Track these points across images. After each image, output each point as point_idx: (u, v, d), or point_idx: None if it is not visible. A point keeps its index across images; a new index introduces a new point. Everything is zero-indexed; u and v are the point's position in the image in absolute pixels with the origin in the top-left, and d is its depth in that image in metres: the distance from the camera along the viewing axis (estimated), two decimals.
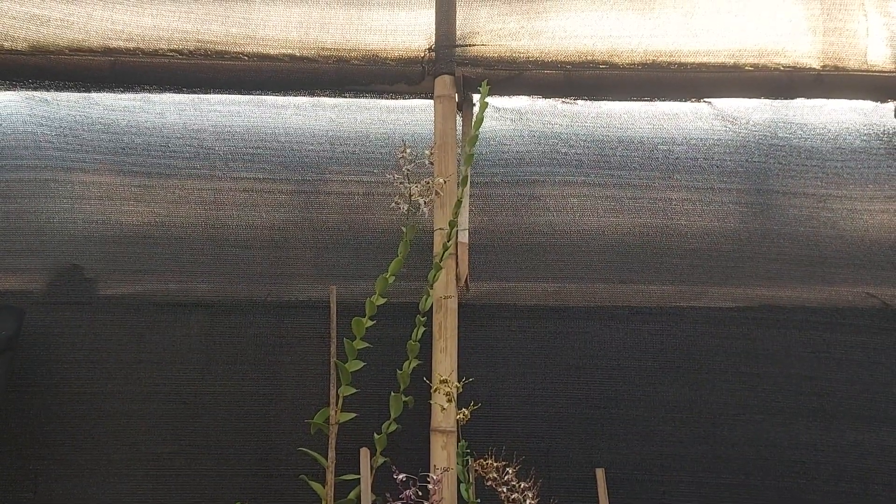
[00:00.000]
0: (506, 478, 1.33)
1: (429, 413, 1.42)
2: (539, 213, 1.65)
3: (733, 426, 1.56)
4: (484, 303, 1.59)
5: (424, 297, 1.44)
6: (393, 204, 1.42)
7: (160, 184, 1.64)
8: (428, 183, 1.43)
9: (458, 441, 1.41)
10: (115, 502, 1.50)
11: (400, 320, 1.49)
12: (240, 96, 1.68)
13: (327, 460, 1.36)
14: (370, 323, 1.40)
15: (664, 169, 1.68)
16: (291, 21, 1.65)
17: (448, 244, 1.44)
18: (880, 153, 1.69)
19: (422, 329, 1.42)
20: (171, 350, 1.56)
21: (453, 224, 1.44)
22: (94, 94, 1.67)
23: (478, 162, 1.62)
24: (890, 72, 1.66)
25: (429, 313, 1.45)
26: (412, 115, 1.69)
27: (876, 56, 1.66)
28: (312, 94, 1.68)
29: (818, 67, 1.66)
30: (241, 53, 1.64)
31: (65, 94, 1.66)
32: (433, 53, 1.63)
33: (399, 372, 1.42)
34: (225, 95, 1.68)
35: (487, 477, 1.34)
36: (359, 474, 1.32)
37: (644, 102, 1.70)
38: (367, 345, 1.40)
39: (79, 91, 1.66)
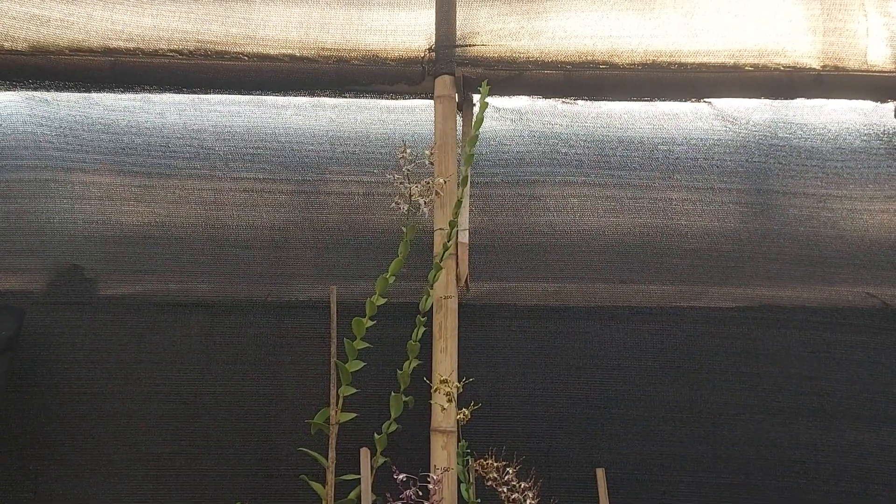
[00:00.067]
0: (506, 478, 1.33)
1: (429, 413, 1.42)
2: (539, 213, 1.65)
3: (733, 426, 1.56)
4: (484, 303, 1.59)
5: (425, 297, 1.44)
6: (393, 204, 1.43)
7: (160, 184, 1.64)
8: (428, 183, 1.43)
9: (459, 441, 1.41)
10: (116, 502, 1.50)
11: (400, 320, 1.49)
12: (240, 96, 1.68)
13: (328, 460, 1.36)
14: (370, 323, 1.40)
15: (664, 169, 1.68)
16: (291, 21, 1.65)
17: (448, 244, 1.44)
18: (880, 153, 1.69)
19: (422, 329, 1.42)
20: (172, 350, 1.56)
21: (453, 224, 1.44)
22: (94, 95, 1.67)
23: (478, 162, 1.62)
24: (890, 72, 1.66)
25: (429, 313, 1.45)
26: (412, 115, 1.69)
27: (876, 56, 1.66)
28: (312, 95, 1.68)
29: (818, 67, 1.66)
30: (241, 53, 1.64)
31: (65, 94, 1.66)
32: (433, 53, 1.63)
33: (399, 372, 1.42)
34: (225, 95, 1.68)
35: (488, 477, 1.34)
36: (359, 474, 1.32)
37: (644, 102, 1.70)
38: (367, 345, 1.40)
39: (79, 91, 1.66)
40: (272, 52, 1.64)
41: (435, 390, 1.40)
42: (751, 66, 1.65)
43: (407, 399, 1.41)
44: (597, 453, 1.53)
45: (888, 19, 1.67)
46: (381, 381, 1.46)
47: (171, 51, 1.63)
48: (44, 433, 1.52)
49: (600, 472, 1.45)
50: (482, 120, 1.45)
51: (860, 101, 1.70)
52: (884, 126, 1.70)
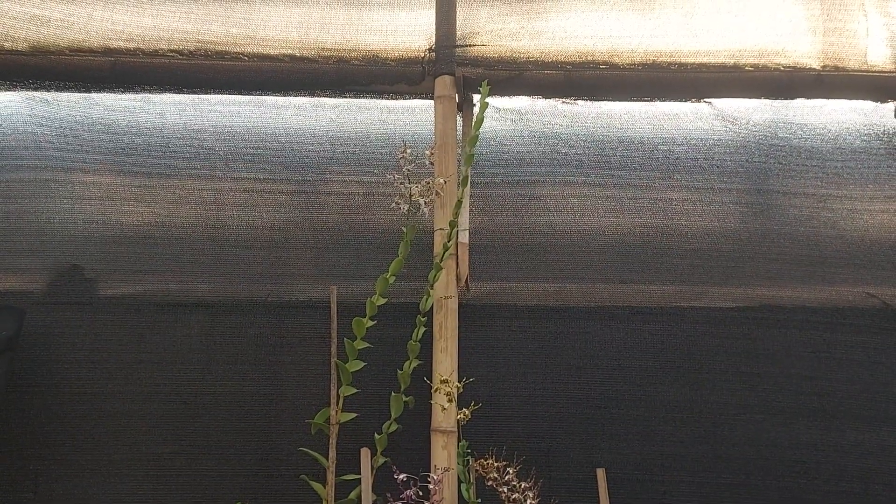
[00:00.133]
0: (506, 478, 1.33)
1: (429, 413, 1.42)
2: (539, 213, 1.65)
3: (734, 426, 1.56)
4: (484, 303, 1.59)
5: (425, 297, 1.44)
6: (393, 204, 1.42)
7: (160, 184, 1.64)
8: (428, 183, 1.43)
9: (459, 441, 1.41)
10: (116, 502, 1.50)
11: (400, 320, 1.49)
12: (240, 96, 1.68)
13: (328, 460, 1.36)
14: (371, 323, 1.40)
15: (664, 169, 1.68)
16: (291, 21, 1.65)
17: (448, 244, 1.44)
18: (880, 153, 1.69)
19: (422, 329, 1.42)
20: (172, 350, 1.56)
21: (454, 224, 1.44)
22: (94, 95, 1.67)
23: (478, 162, 1.62)
24: (890, 72, 1.66)
25: (429, 313, 1.45)
26: (412, 115, 1.69)
27: (876, 56, 1.66)
28: (313, 95, 1.68)
29: (818, 67, 1.66)
30: (242, 54, 1.64)
31: (65, 94, 1.66)
32: (433, 54, 1.63)
33: (399, 372, 1.42)
34: (225, 96, 1.68)
35: (488, 477, 1.34)
36: (359, 474, 1.32)
37: (644, 103, 1.70)
38: (367, 345, 1.40)
39: (79, 91, 1.66)
40: (272, 52, 1.64)
41: (435, 390, 1.40)
42: (751, 67, 1.65)
43: (407, 399, 1.41)
44: (597, 453, 1.53)
45: (888, 19, 1.67)
46: (382, 381, 1.46)
47: (172, 51, 1.63)
48: (44, 433, 1.52)
49: (601, 472, 1.45)
50: (482, 120, 1.45)
51: (860, 102, 1.70)
52: (884, 126, 1.70)
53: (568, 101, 1.70)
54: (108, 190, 1.63)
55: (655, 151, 1.69)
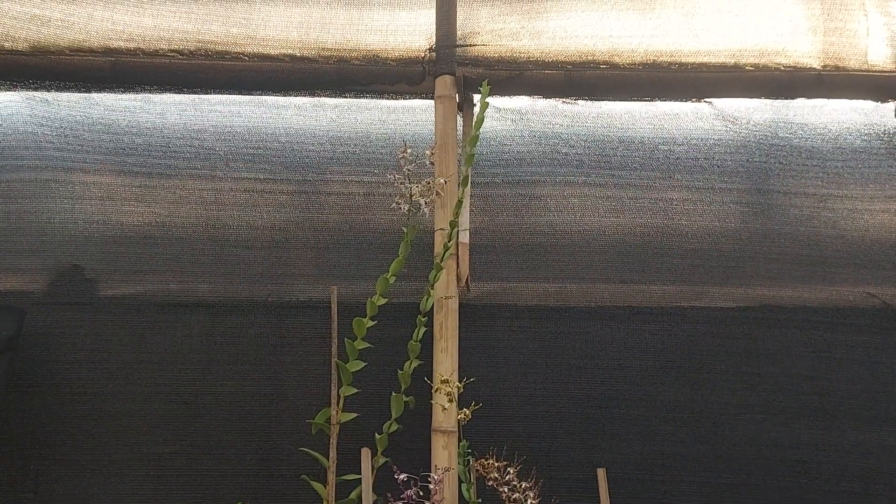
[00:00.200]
0: (507, 478, 1.33)
1: (430, 413, 1.42)
2: (540, 213, 1.65)
3: (734, 426, 1.56)
4: (485, 303, 1.59)
5: (425, 297, 1.44)
6: (394, 204, 1.42)
7: (161, 184, 1.64)
8: (429, 183, 1.43)
9: (460, 441, 1.41)
10: (116, 502, 1.50)
11: (401, 320, 1.49)
12: (240, 96, 1.68)
13: (328, 460, 1.36)
14: (371, 323, 1.40)
15: (665, 169, 1.68)
16: (292, 21, 1.65)
17: (449, 244, 1.44)
18: (881, 153, 1.69)
19: (423, 329, 1.42)
20: (172, 350, 1.56)
21: (454, 224, 1.44)
22: (94, 95, 1.67)
23: (478, 162, 1.62)
24: (890, 71, 1.66)
25: (430, 313, 1.45)
26: (413, 115, 1.69)
27: (876, 56, 1.66)
28: (313, 95, 1.68)
29: (819, 67, 1.66)
30: (242, 54, 1.64)
31: (65, 94, 1.66)
32: (434, 53, 1.63)
33: (400, 372, 1.42)
34: (225, 96, 1.68)
35: (489, 477, 1.34)
36: (360, 474, 1.32)
37: (645, 102, 1.70)
38: (368, 345, 1.40)
39: (79, 91, 1.66)
40: (273, 52, 1.64)
41: (436, 390, 1.40)
42: (751, 66, 1.65)
43: (408, 399, 1.41)
44: (598, 453, 1.53)
45: (888, 19, 1.67)
46: (382, 381, 1.46)
47: (172, 51, 1.63)
48: (44, 433, 1.52)
49: (601, 472, 1.45)
50: (482, 120, 1.45)
51: (861, 101, 1.70)
52: (884, 126, 1.70)
53: (568, 100, 1.70)
54: (109, 190, 1.63)
55: (656, 151, 1.69)
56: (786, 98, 1.69)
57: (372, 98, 1.68)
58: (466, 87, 1.61)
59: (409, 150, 1.41)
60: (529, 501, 1.31)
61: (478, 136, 1.46)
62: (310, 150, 1.67)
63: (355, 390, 1.39)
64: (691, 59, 1.66)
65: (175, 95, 1.67)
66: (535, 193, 1.66)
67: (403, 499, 1.27)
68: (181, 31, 1.64)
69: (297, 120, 1.69)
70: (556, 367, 1.57)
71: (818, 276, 1.63)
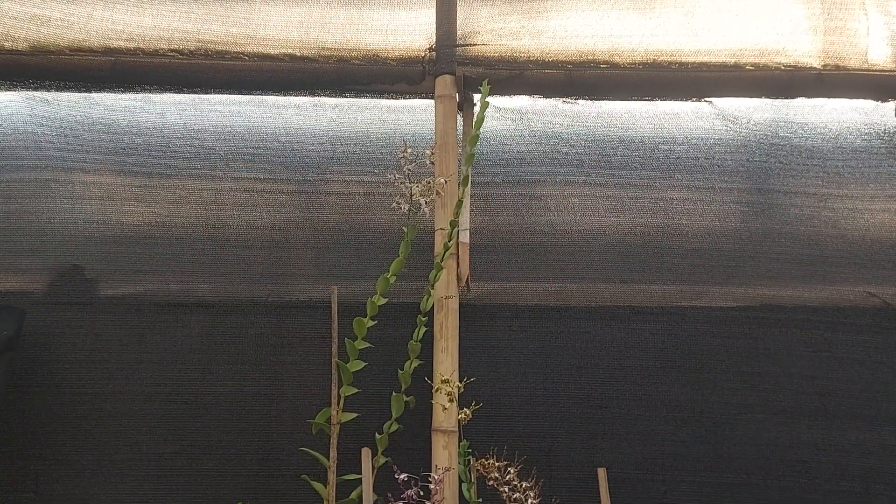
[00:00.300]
0: (507, 477, 1.33)
1: (430, 413, 1.42)
2: (540, 212, 1.65)
3: (735, 426, 1.56)
4: (485, 303, 1.59)
5: (425, 297, 1.44)
6: (394, 204, 1.42)
7: (161, 184, 1.64)
8: (429, 183, 1.43)
9: (460, 441, 1.41)
10: (117, 502, 1.50)
11: (401, 320, 1.49)
12: (240, 96, 1.68)
13: (329, 460, 1.36)
14: (371, 323, 1.40)
15: (665, 168, 1.68)
16: (292, 21, 1.65)
17: (449, 244, 1.44)
18: (881, 152, 1.69)
19: (423, 329, 1.42)
20: (172, 350, 1.56)
21: (454, 224, 1.44)
22: (94, 95, 1.67)
23: (479, 162, 1.62)
24: (891, 71, 1.66)
25: (430, 313, 1.45)
26: (413, 114, 1.69)
27: (877, 55, 1.66)
28: (313, 94, 1.68)
29: (819, 67, 1.66)
30: (242, 53, 1.64)
31: (65, 94, 1.66)
32: (434, 53, 1.63)
33: (400, 372, 1.42)
34: (225, 95, 1.68)
35: (489, 477, 1.34)
36: (360, 474, 1.32)
37: (645, 102, 1.70)
38: (368, 345, 1.40)
39: (79, 91, 1.66)
40: (273, 51, 1.64)
41: (436, 390, 1.40)
42: (751, 66, 1.65)
43: (408, 399, 1.41)
44: (598, 453, 1.53)
45: (889, 18, 1.67)
46: (383, 380, 1.46)
47: (172, 51, 1.63)
48: (45, 433, 1.52)
49: (601, 472, 1.45)
50: (483, 119, 1.45)
51: (861, 101, 1.70)
52: (884, 125, 1.70)
53: (569, 100, 1.70)
54: (109, 190, 1.63)
55: (656, 151, 1.69)
56: (786, 97, 1.69)
57: (372, 98, 1.68)
58: (466, 87, 1.61)
59: (409, 150, 1.41)
60: (530, 501, 1.30)
61: (478, 135, 1.46)
62: (310, 150, 1.67)
63: (355, 390, 1.39)
64: (691, 59, 1.65)
65: (175, 95, 1.67)
66: (535, 193, 1.66)
67: (404, 499, 1.27)
68: (181, 31, 1.64)
69: (297, 120, 1.69)
70: (557, 367, 1.57)
71: (818, 275, 1.63)
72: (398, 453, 1.36)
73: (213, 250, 1.61)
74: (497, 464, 1.34)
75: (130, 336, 1.56)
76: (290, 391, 1.55)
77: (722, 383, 1.57)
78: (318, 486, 1.37)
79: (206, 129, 1.67)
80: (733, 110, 1.71)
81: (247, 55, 1.64)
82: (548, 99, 1.69)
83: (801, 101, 1.70)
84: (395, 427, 1.40)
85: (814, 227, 1.66)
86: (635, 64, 1.65)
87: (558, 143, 1.69)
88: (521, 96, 1.69)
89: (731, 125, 1.70)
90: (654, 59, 1.65)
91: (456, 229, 1.45)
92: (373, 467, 1.35)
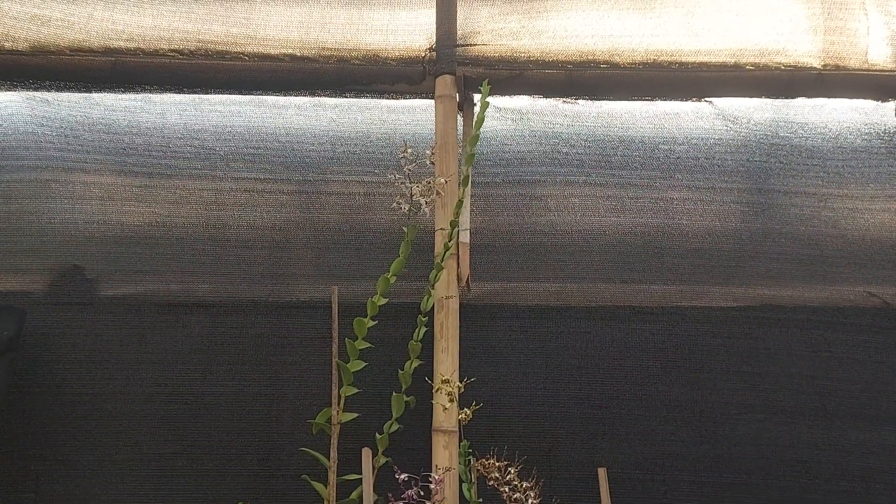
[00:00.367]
0: (508, 477, 1.33)
1: (430, 413, 1.42)
2: (540, 212, 1.65)
3: (735, 425, 1.56)
4: (485, 303, 1.59)
5: (426, 297, 1.44)
6: (394, 204, 1.42)
7: (161, 184, 1.64)
8: (429, 183, 1.43)
9: (460, 441, 1.41)
10: (117, 503, 1.50)
11: (401, 320, 1.49)
12: (240, 96, 1.68)
13: (329, 460, 1.36)
14: (372, 323, 1.40)
15: (665, 168, 1.68)
16: (292, 21, 1.65)
17: (449, 244, 1.44)
18: (881, 152, 1.69)
19: (423, 329, 1.42)
20: (173, 350, 1.56)
21: (454, 224, 1.44)
22: (94, 95, 1.67)
23: (479, 162, 1.62)
24: (891, 71, 1.66)
25: (430, 313, 1.45)
26: (413, 115, 1.69)
27: (877, 55, 1.66)
28: (313, 94, 1.68)
29: (819, 67, 1.66)
30: (242, 53, 1.64)
31: (65, 94, 1.66)
32: (434, 53, 1.63)
33: (401, 372, 1.42)
34: (226, 95, 1.68)
35: (489, 477, 1.34)
36: (361, 474, 1.32)
37: (645, 102, 1.70)
38: (368, 345, 1.39)
39: (79, 91, 1.65)
40: (273, 51, 1.64)
41: (436, 390, 1.40)
42: (752, 66, 1.65)
43: (408, 399, 1.41)
44: (599, 453, 1.53)
45: (889, 18, 1.67)
46: (383, 381, 1.46)
47: (172, 51, 1.63)
48: (45, 434, 1.52)
49: (602, 472, 1.45)
50: (483, 119, 1.45)
51: (861, 100, 1.70)
52: (885, 125, 1.70)
53: (569, 100, 1.70)
54: (109, 190, 1.63)
55: (656, 151, 1.69)
56: (786, 97, 1.69)
57: (372, 98, 1.68)
58: (467, 87, 1.61)
59: (409, 150, 1.41)
60: (530, 501, 1.31)
61: (478, 135, 1.46)
62: (310, 150, 1.67)
63: (356, 390, 1.39)
64: (692, 59, 1.65)
65: (175, 95, 1.67)
66: (535, 193, 1.66)
67: (404, 499, 1.27)
68: (181, 31, 1.64)
69: (297, 120, 1.69)
70: (557, 367, 1.57)
71: (819, 275, 1.63)
72: (398, 453, 1.36)
73: (214, 250, 1.61)
74: (497, 464, 1.34)
75: (131, 336, 1.56)
76: (291, 391, 1.55)
77: (722, 383, 1.57)
78: (318, 486, 1.37)
79: (206, 129, 1.67)
80: (733, 110, 1.71)
81: (247, 55, 1.64)
82: (548, 99, 1.69)
83: (801, 101, 1.70)
84: (395, 427, 1.40)
85: (814, 227, 1.66)
86: (635, 64, 1.65)
87: (558, 143, 1.69)
88: (522, 96, 1.69)
89: (732, 125, 1.70)
90: (655, 59, 1.65)
91: (456, 229, 1.45)
92: (373, 467, 1.35)
